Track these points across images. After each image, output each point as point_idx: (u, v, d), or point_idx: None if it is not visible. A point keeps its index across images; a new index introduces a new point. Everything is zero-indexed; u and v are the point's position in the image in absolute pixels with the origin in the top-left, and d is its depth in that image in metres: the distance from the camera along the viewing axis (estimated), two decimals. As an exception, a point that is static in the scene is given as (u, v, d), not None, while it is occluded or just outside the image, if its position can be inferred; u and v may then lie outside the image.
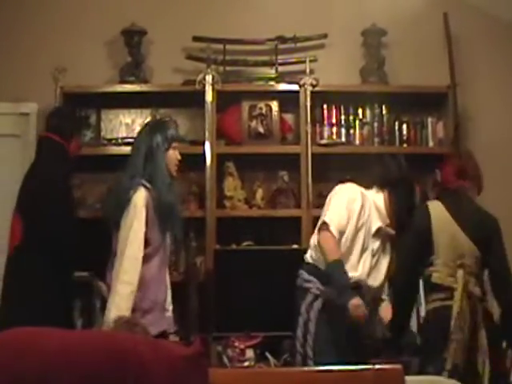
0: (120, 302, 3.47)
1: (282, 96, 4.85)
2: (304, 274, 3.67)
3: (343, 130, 4.88)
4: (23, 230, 3.84)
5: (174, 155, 3.84)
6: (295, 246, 4.55)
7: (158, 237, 3.69)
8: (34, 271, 3.78)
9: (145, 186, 3.68)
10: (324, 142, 4.76)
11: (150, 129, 3.92)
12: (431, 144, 4.93)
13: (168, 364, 1.94)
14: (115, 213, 3.69)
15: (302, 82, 4.72)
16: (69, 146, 4.04)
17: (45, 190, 3.89)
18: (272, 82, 4.90)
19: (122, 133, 4.91)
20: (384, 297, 3.84)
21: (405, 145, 4.90)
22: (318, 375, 2.47)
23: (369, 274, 3.67)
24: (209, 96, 4.63)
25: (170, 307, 3.85)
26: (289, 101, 4.83)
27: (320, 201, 4.54)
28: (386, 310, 3.73)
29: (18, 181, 4.76)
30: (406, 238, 3.62)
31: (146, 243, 3.64)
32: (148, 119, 4.78)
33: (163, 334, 3.66)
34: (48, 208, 3.85)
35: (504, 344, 3.54)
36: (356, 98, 4.89)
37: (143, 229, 3.62)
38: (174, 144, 3.86)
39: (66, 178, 4.04)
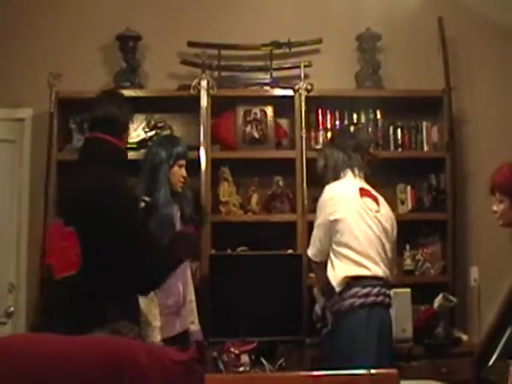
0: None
1: (276, 101, 4.85)
2: None
3: (338, 135, 4.87)
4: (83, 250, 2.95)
5: (178, 172, 3.85)
6: (290, 251, 4.55)
7: None
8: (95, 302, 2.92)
9: (144, 201, 3.70)
10: (319, 146, 4.74)
11: (157, 143, 4.00)
12: (426, 148, 4.92)
13: (163, 369, 1.94)
14: None
15: (296, 87, 4.72)
16: (121, 143, 3.26)
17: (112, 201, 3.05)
18: (267, 87, 4.89)
19: (117, 138, 4.89)
20: None
21: (399, 149, 4.90)
22: (314, 380, 2.47)
23: None
24: (204, 101, 4.62)
25: (183, 311, 3.84)
26: (284, 106, 4.82)
27: (315, 206, 4.54)
28: None
29: (12, 186, 4.78)
30: None
31: None
32: (143, 124, 4.79)
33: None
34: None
35: None
36: (351, 102, 4.89)
37: None
38: (181, 161, 3.87)
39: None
